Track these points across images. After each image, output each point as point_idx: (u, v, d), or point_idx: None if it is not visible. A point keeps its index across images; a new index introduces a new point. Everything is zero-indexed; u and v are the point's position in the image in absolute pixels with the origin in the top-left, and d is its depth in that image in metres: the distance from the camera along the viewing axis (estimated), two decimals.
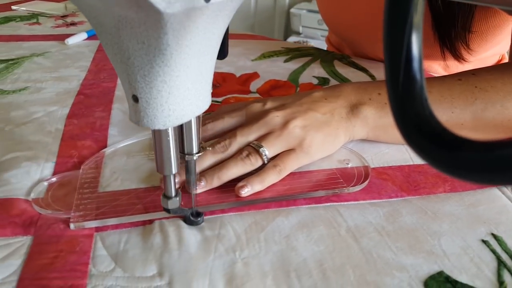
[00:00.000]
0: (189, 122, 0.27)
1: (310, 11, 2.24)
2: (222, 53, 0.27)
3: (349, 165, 0.38)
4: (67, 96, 0.51)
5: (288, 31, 2.44)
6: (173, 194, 0.29)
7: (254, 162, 0.35)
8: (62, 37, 0.74)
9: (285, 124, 0.36)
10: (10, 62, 0.62)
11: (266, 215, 0.32)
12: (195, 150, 0.29)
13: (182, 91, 0.23)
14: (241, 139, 0.36)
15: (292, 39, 2.24)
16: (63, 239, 0.30)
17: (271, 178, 0.35)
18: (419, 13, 0.13)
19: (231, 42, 0.79)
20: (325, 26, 2.15)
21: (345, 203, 0.34)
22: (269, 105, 0.39)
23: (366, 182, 0.35)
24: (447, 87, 0.40)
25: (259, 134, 0.36)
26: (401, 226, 0.31)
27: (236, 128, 0.37)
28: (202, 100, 0.25)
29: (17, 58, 0.64)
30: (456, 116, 0.39)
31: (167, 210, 0.29)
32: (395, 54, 0.14)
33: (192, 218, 0.31)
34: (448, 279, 0.27)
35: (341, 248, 0.29)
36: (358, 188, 0.35)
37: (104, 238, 0.30)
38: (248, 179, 0.34)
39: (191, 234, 0.30)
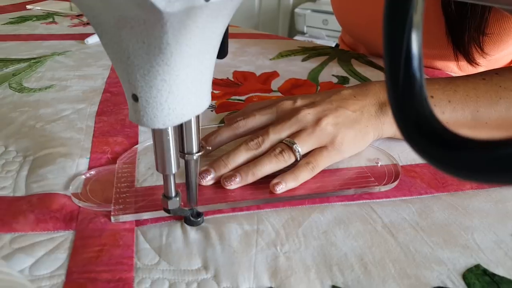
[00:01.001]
0: (189, 121, 0.27)
1: (314, 11, 2.25)
2: (222, 53, 0.26)
3: (379, 164, 0.39)
4: (94, 94, 0.52)
5: (293, 31, 2.45)
6: (173, 194, 0.28)
7: (287, 159, 0.36)
8: (80, 37, 0.74)
9: (317, 121, 0.37)
10: (32, 61, 0.62)
11: (302, 211, 0.33)
12: (195, 149, 0.28)
13: (182, 90, 0.23)
14: (274, 136, 0.37)
15: (297, 39, 2.24)
16: (105, 233, 0.30)
17: (304, 175, 0.35)
18: (419, 12, 0.13)
19: (246, 41, 0.80)
20: (330, 26, 2.16)
21: (378, 200, 0.34)
22: (299, 102, 0.40)
23: (397, 181, 0.36)
24: (472, 87, 0.40)
25: (291, 131, 0.37)
26: (434, 222, 0.32)
27: (268, 125, 0.38)
28: (202, 99, 0.24)
29: (39, 57, 0.65)
30: (480, 115, 0.39)
31: (167, 211, 0.29)
32: (395, 53, 0.14)
33: (192, 218, 0.31)
34: (485, 272, 0.28)
35: (379, 243, 0.30)
36: (389, 187, 0.35)
37: (145, 231, 0.31)
38: (282, 176, 0.35)
39: (231, 228, 0.31)
